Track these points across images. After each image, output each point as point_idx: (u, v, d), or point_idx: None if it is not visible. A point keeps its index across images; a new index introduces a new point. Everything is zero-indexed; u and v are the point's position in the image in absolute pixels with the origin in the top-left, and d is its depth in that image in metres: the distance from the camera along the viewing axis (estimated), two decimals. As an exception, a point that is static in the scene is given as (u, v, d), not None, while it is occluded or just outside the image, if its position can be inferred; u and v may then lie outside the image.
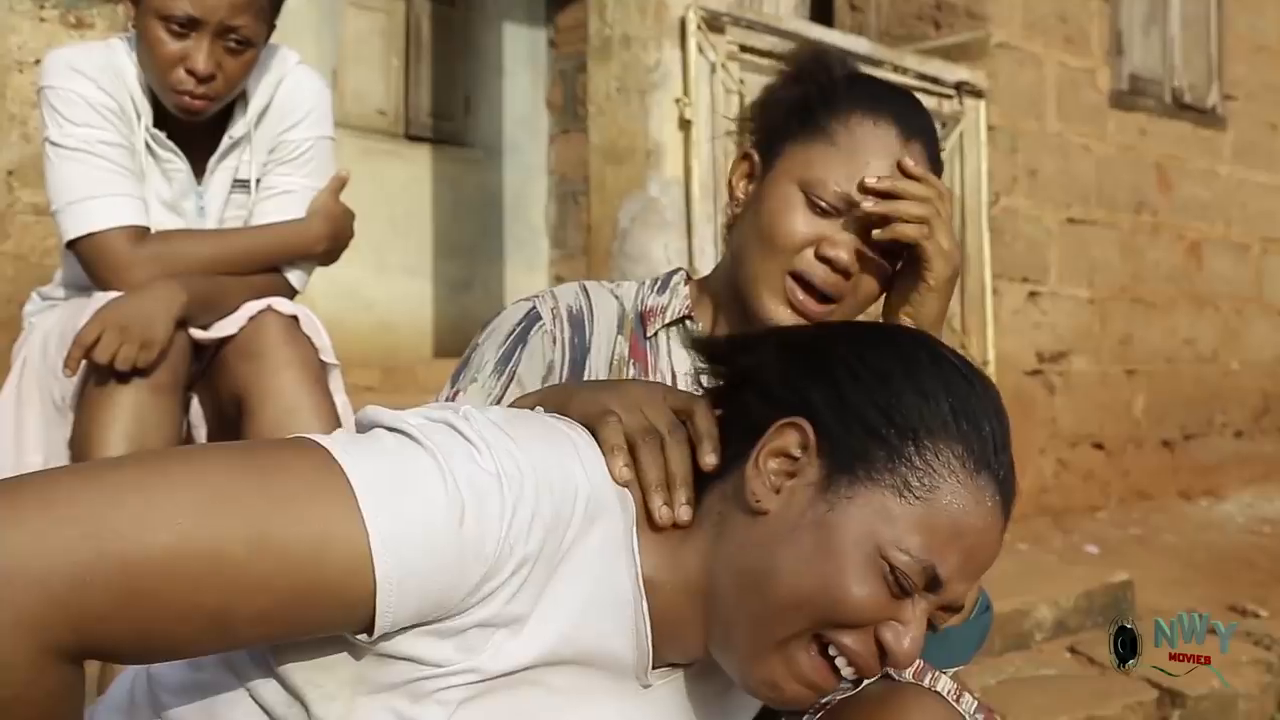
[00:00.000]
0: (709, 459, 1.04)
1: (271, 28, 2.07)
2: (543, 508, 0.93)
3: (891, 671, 1.11)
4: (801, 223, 1.40)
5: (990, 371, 4.67)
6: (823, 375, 1.04)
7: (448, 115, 6.16)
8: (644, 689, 1.05)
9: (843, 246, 1.39)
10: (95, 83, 2.00)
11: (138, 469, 0.87)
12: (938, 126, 4.90)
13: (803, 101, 1.45)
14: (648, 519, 1.02)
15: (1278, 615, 4.01)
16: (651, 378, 1.46)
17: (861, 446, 0.99)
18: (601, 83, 3.94)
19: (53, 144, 1.99)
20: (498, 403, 1.40)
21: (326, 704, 0.93)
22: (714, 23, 3.88)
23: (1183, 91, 5.81)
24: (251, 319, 2.01)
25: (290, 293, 2.15)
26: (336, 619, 0.89)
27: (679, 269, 1.59)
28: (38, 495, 0.82)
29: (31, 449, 2.05)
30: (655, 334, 1.50)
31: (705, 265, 3.75)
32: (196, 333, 2.00)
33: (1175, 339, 5.78)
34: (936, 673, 1.17)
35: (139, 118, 2.05)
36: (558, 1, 6.37)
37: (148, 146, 2.06)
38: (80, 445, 1.90)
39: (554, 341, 1.46)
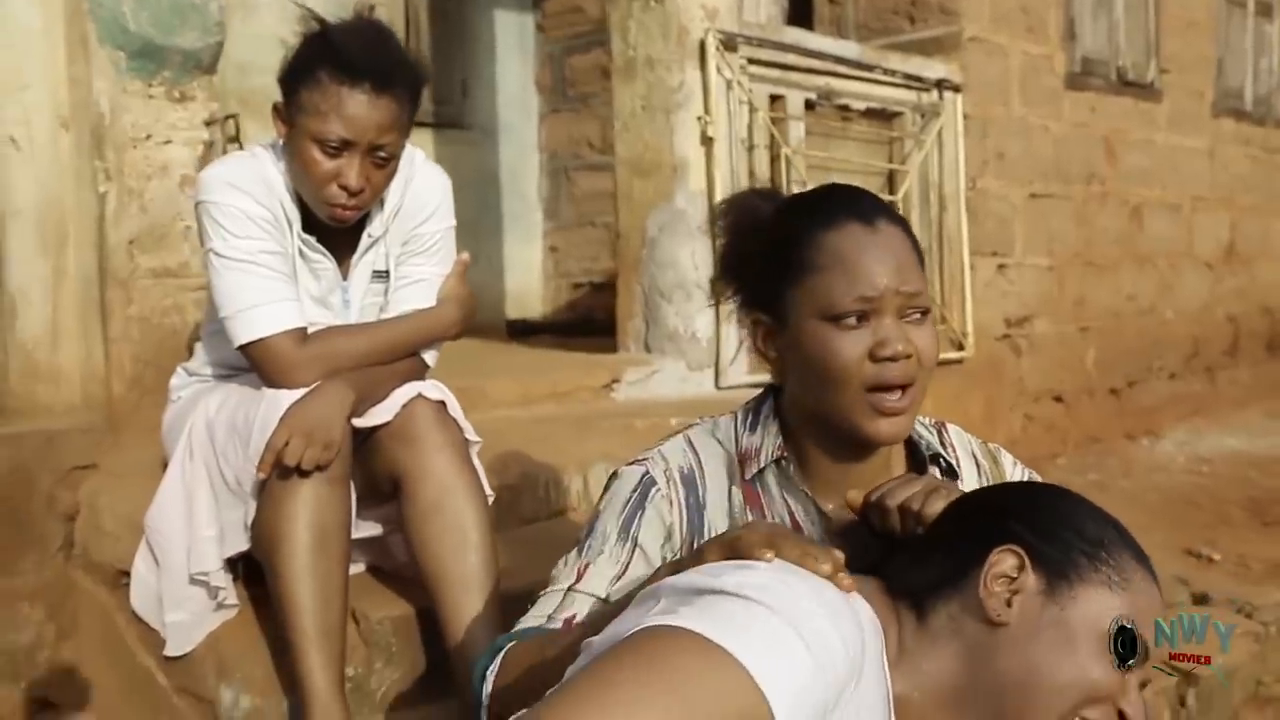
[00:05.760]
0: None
1: (407, 137, 2.12)
2: (853, 631, 1.04)
3: None
4: (847, 348, 1.37)
5: (970, 341, 4.85)
6: (1010, 514, 1.20)
7: (447, 100, 6.13)
8: None
9: (894, 340, 1.36)
10: (252, 196, 2.04)
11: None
12: (918, 119, 4.95)
13: (761, 253, 1.44)
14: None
15: (1229, 558, 4.26)
16: (769, 519, 1.45)
17: (1067, 558, 1.15)
18: (627, 100, 3.97)
19: (218, 255, 2.03)
20: (625, 569, 1.44)
21: None
22: (729, 43, 3.92)
23: (1126, 70, 5.95)
24: (405, 406, 2.09)
25: (425, 369, 2.23)
26: None
27: (768, 396, 1.54)
28: None
29: (204, 525, 2.12)
30: (756, 476, 1.48)
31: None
32: (355, 421, 2.07)
33: (1120, 296, 6.00)
34: None
35: (290, 225, 2.10)
36: (543, -13, 6.32)
37: (299, 250, 2.11)
38: (268, 533, 1.97)
39: (670, 504, 1.46)
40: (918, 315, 1.39)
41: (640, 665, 0.96)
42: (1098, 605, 1.13)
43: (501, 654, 1.42)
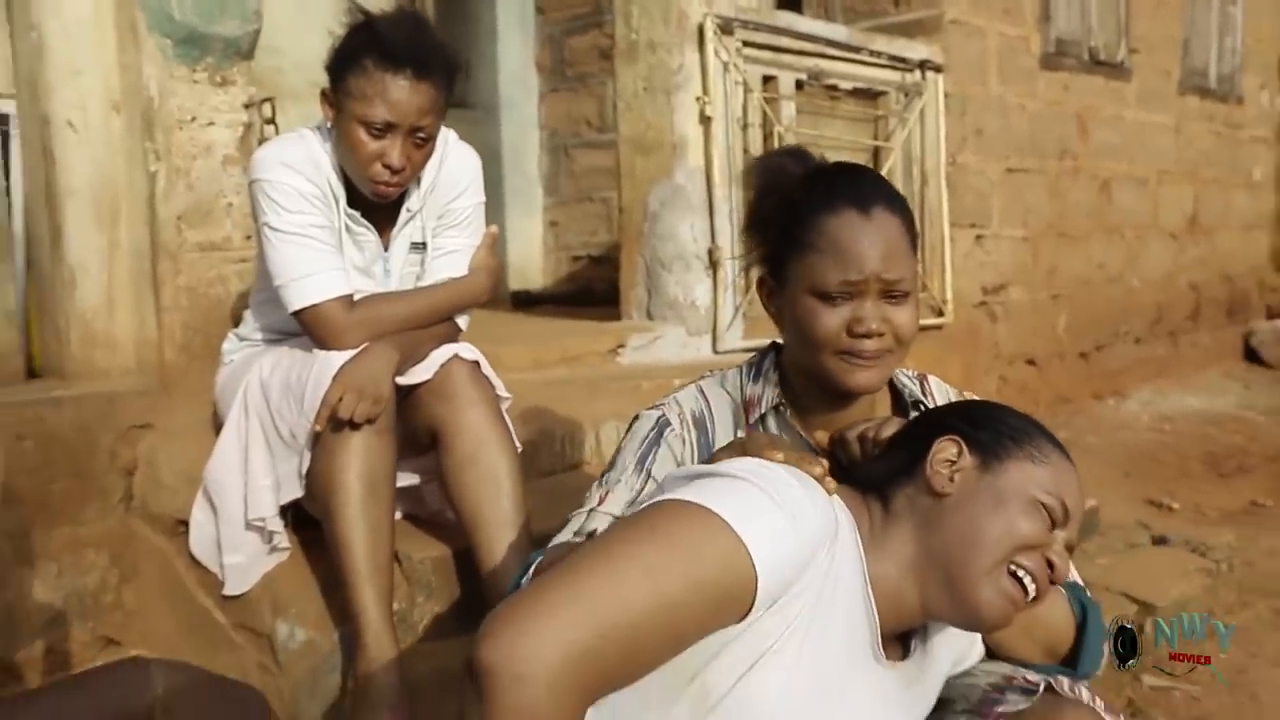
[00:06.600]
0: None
1: (443, 119, 2.27)
2: (825, 501, 1.25)
3: (1053, 685, 1.43)
4: (827, 321, 1.52)
5: (949, 309, 5.03)
6: (949, 414, 1.44)
7: (450, 79, 6.22)
8: (879, 665, 1.35)
9: (869, 320, 1.51)
10: (303, 174, 2.19)
11: (598, 569, 1.11)
12: (901, 98, 5.10)
13: (772, 219, 1.59)
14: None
15: (1187, 507, 4.48)
16: None
17: (997, 442, 1.36)
18: (629, 81, 4.12)
19: (272, 229, 2.17)
20: (637, 496, 1.60)
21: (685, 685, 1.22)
22: (726, 27, 4.07)
23: (1098, 50, 6.11)
24: (443, 365, 2.25)
25: (458, 332, 2.39)
26: (733, 613, 1.17)
27: (769, 351, 1.71)
28: (541, 604, 1.07)
29: (260, 475, 2.28)
30: (759, 420, 1.65)
31: (725, 240, 4.03)
32: (398, 379, 2.22)
33: (1090, 265, 6.19)
34: (1079, 685, 1.43)
35: (337, 201, 2.25)
36: (543, -31, 6.42)
37: (345, 224, 2.26)
38: (323, 481, 2.13)
39: (682, 443, 1.64)
40: (899, 296, 1.54)
41: (643, 528, 1.16)
42: (1024, 474, 1.33)
43: (533, 567, 1.58)
